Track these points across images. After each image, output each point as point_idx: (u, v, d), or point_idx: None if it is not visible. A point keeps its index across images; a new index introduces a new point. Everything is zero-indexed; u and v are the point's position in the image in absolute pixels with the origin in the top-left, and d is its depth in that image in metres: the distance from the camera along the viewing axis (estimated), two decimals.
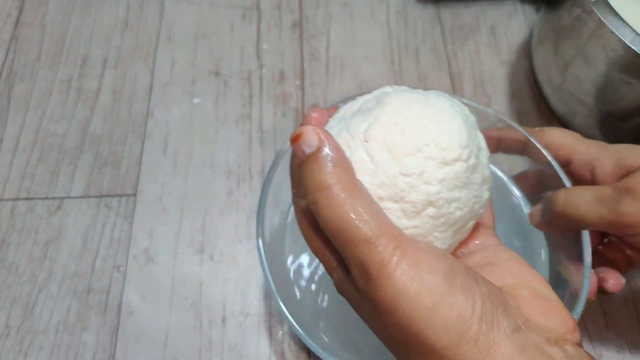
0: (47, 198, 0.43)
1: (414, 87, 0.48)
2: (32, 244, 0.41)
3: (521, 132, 0.39)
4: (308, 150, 0.21)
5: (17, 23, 0.52)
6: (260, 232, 0.33)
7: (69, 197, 0.43)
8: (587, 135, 0.44)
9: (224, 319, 0.38)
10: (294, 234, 0.38)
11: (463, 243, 0.25)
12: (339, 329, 0.36)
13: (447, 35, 0.51)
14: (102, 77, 0.49)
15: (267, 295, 0.39)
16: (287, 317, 0.31)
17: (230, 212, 0.42)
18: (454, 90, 0.48)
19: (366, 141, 0.22)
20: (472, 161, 0.23)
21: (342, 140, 0.23)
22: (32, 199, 0.43)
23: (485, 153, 0.24)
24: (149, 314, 0.38)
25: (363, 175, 0.22)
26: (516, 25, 0.52)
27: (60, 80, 0.49)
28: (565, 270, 0.36)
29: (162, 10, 0.52)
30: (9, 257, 0.40)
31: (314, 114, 0.25)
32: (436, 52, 0.50)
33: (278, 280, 0.33)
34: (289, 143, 0.37)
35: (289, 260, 0.38)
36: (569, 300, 0.33)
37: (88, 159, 0.45)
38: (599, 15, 0.37)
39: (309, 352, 0.37)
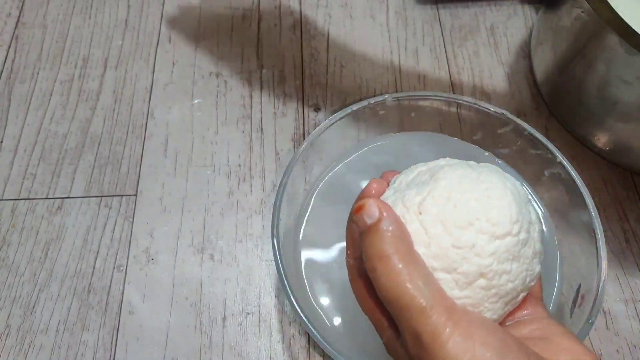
0: (47, 198, 0.43)
1: (414, 88, 0.49)
2: (32, 244, 0.41)
3: (531, 132, 0.39)
4: (369, 221, 0.23)
5: (17, 23, 0.52)
6: (275, 232, 0.34)
7: (69, 197, 0.43)
8: (586, 138, 0.44)
9: (224, 319, 0.38)
10: (306, 237, 0.39)
11: (511, 312, 0.25)
12: (347, 330, 0.36)
13: (447, 35, 0.51)
14: (103, 77, 0.49)
15: (268, 294, 0.39)
16: (301, 317, 0.32)
17: (231, 212, 0.42)
18: (453, 90, 0.48)
19: (420, 213, 0.24)
20: (522, 236, 0.24)
21: (398, 212, 0.24)
22: (33, 199, 0.43)
23: (536, 227, 0.25)
24: (150, 313, 0.38)
25: (418, 246, 0.23)
26: (516, 25, 0.52)
27: (60, 81, 0.49)
28: (576, 271, 0.36)
29: (162, 11, 0.53)
30: (10, 257, 0.41)
31: (374, 185, 0.27)
32: (436, 52, 0.50)
33: (291, 280, 0.33)
34: (304, 145, 0.38)
35: (302, 261, 0.38)
36: (580, 305, 0.34)
37: (89, 159, 0.45)
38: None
39: (309, 351, 0.37)
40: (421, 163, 0.27)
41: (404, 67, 0.49)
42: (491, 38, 0.51)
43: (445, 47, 0.51)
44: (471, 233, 0.23)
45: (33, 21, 0.52)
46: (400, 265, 0.22)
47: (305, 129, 0.46)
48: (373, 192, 0.27)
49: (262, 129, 0.46)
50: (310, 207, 0.40)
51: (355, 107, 0.40)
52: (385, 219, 0.23)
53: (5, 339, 0.37)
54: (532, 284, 0.25)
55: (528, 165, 0.40)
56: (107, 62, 0.50)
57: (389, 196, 0.26)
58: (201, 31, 0.51)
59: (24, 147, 0.45)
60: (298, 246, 0.38)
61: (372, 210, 0.23)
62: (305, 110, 0.47)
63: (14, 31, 0.51)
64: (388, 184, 0.27)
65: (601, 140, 0.43)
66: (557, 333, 0.23)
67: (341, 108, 0.47)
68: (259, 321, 0.38)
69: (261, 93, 0.48)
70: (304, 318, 0.32)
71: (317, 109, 0.47)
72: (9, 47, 0.51)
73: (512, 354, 0.21)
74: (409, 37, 0.51)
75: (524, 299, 0.26)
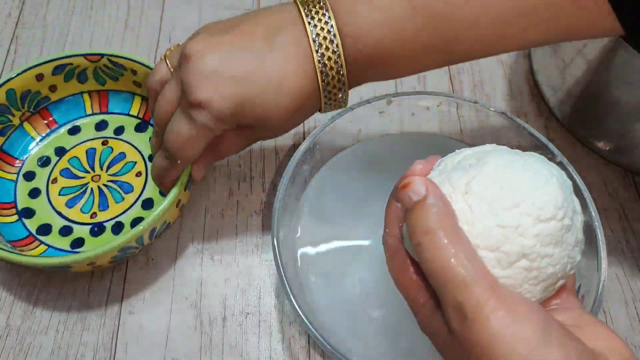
0: None
1: (414, 88, 0.49)
2: None
3: (531, 131, 0.39)
4: (415, 197, 0.23)
5: (17, 23, 0.52)
6: (275, 232, 0.35)
7: None
8: (586, 138, 0.44)
9: (224, 319, 0.38)
10: (306, 230, 0.39)
11: (545, 301, 0.26)
12: (347, 328, 0.36)
13: None
14: None
15: (268, 294, 0.39)
16: (301, 317, 0.32)
17: (231, 212, 0.42)
18: (454, 91, 0.48)
19: (466, 193, 0.24)
20: (566, 222, 0.24)
21: (444, 191, 0.24)
22: None
23: (579, 217, 0.25)
24: (150, 314, 0.38)
25: (462, 224, 0.24)
26: None
27: None
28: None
29: (162, 12, 0.53)
30: None
31: (419, 166, 0.27)
32: None
33: (291, 281, 0.33)
34: (304, 145, 0.37)
35: (301, 260, 0.38)
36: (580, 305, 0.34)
37: None
38: None
39: (309, 350, 0.37)
40: (466, 147, 0.28)
41: None
42: None
43: None
44: (516, 214, 0.23)
45: (33, 21, 0.52)
46: (445, 240, 0.22)
47: (305, 128, 0.46)
48: (417, 174, 0.27)
49: None
50: (309, 207, 0.40)
51: (355, 106, 0.40)
52: (431, 195, 0.23)
53: (6, 339, 0.37)
54: (572, 272, 0.25)
55: None
56: None
57: (434, 177, 0.26)
58: None
59: None
60: (297, 246, 0.38)
61: (418, 187, 0.23)
62: None
63: (14, 31, 0.51)
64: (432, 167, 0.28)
65: (601, 140, 0.43)
66: (590, 322, 0.24)
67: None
68: (259, 321, 0.38)
69: None
70: (304, 318, 0.32)
71: None
72: (9, 47, 0.51)
73: (555, 331, 0.21)
74: None
75: (559, 289, 0.26)
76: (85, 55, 0.41)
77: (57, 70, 0.41)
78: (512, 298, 0.22)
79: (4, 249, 0.34)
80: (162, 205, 0.34)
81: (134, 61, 0.41)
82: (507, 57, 0.50)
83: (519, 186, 0.24)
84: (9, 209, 0.40)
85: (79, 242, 0.39)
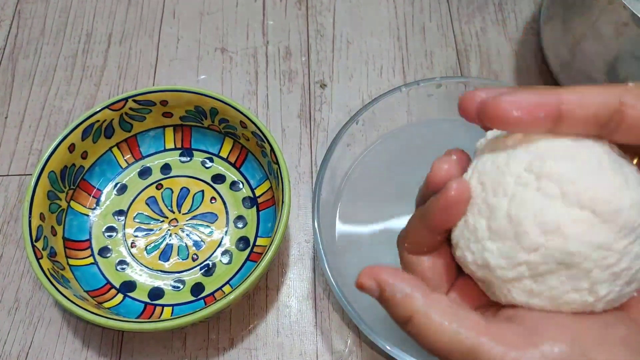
0: None
1: (421, 65, 0.48)
2: None
3: None
4: (374, 294, 0.21)
5: None
6: (315, 215, 0.35)
7: None
8: None
9: None
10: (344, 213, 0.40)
11: None
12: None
13: (454, 11, 0.51)
14: (107, 53, 0.48)
15: (272, 270, 0.39)
16: (337, 292, 0.33)
17: None
18: (461, 67, 0.48)
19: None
20: None
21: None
22: None
23: None
24: None
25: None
26: (524, 1, 0.51)
27: (64, 56, 0.48)
28: None
29: None
30: (17, 232, 0.41)
31: (445, 166, 0.22)
32: (443, 29, 0.50)
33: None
34: (349, 125, 0.36)
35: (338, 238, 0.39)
36: None
37: None
38: None
39: (315, 324, 0.37)
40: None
41: (411, 43, 0.49)
42: (499, 14, 0.51)
43: (452, 23, 0.50)
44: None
45: None
46: (426, 322, 0.19)
47: (312, 105, 0.46)
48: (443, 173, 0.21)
49: (268, 105, 0.46)
50: (348, 190, 0.40)
51: (404, 88, 0.40)
52: (386, 287, 0.20)
53: (15, 313, 0.38)
54: None
55: None
56: (111, 38, 0.49)
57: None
58: (206, 6, 0.51)
59: (28, 122, 0.45)
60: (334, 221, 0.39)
61: (369, 288, 0.20)
62: (312, 87, 0.46)
63: (16, 6, 0.51)
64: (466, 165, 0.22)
65: None
66: None
67: (347, 85, 0.46)
68: (266, 296, 0.39)
69: (267, 69, 0.47)
70: (337, 290, 0.32)
71: (323, 86, 0.47)
72: (12, 21, 0.50)
73: None
74: (415, 14, 0.50)
75: None
76: (109, 107, 0.38)
77: (86, 134, 0.38)
78: None
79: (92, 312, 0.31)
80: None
81: (166, 91, 0.38)
82: (516, 33, 0.49)
83: None
84: (107, 290, 0.37)
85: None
